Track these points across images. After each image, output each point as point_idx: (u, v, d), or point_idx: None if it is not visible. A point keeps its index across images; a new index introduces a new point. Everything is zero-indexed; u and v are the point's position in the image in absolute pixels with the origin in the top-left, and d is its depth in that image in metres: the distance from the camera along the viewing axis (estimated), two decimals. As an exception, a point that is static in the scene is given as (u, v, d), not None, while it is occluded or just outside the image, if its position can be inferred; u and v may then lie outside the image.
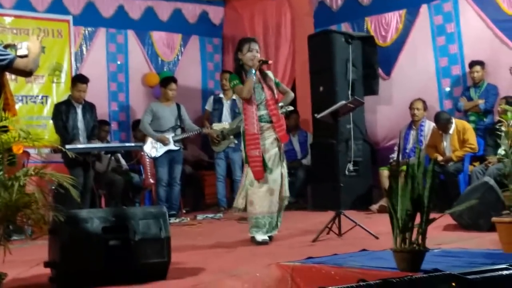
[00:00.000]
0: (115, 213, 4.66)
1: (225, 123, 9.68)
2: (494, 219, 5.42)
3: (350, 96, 9.07)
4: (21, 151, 4.21)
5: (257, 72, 6.38)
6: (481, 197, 6.35)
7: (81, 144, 8.54)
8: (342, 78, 9.47)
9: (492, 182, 6.65)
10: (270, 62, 6.77)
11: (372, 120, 10.12)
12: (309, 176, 9.93)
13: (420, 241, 4.04)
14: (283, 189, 6.45)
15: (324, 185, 8.95)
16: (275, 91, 6.49)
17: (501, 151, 7.63)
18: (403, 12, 9.88)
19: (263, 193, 6.29)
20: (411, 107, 9.26)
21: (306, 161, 10.19)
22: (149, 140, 9.37)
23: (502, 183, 6.14)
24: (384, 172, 9.07)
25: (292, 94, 6.82)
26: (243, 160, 6.53)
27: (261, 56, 6.60)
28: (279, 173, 6.37)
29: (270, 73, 6.66)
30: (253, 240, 6.36)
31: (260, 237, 6.30)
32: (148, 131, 9.38)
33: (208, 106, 10.09)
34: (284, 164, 6.51)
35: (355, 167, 9.44)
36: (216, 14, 11.92)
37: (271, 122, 6.37)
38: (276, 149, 6.38)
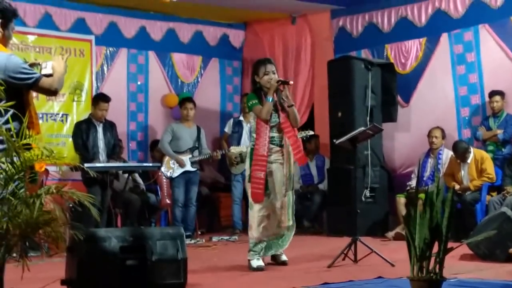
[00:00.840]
0: (133, 232, 4.69)
1: (244, 146, 9.72)
2: (511, 250, 5.40)
3: (368, 123, 9.08)
4: (43, 169, 4.25)
5: (274, 94, 6.35)
6: (498, 227, 6.32)
7: (100, 163, 8.59)
8: (360, 104, 9.48)
9: (509, 212, 6.62)
10: (291, 82, 6.75)
11: (389, 147, 10.11)
12: (325, 201, 9.93)
13: (437, 270, 4.03)
14: (285, 218, 6.44)
15: (340, 210, 8.95)
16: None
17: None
18: (423, 40, 9.90)
19: (260, 218, 6.32)
20: (429, 135, 9.26)
21: (323, 185, 10.19)
22: (167, 160, 9.45)
23: (520, 214, 6.13)
24: (401, 200, 9.05)
25: (295, 114, 6.46)
26: (246, 178, 6.52)
27: (279, 77, 6.57)
28: (280, 200, 6.37)
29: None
30: (248, 265, 6.34)
31: (255, 263, 6.28)
32: (167, 150, 9.45)
33: (228, 129, 10.13)
34: (291, 193, 6.49)
35: (372, 194, 9.43)
36: (236, 37, 11.98)
37: (281, 146, 6.40)
38: (281, 175, 6.37)
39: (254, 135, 6.39)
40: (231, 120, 10.24)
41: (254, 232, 6.32)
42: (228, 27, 11.87)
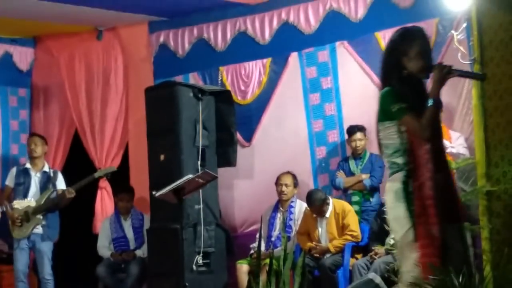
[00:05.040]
0: None
1: (31, 200, 9.47)
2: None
3: (199, 168, 9.11)
4: None
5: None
6: (364, 299, 6.49)
7: None
8: (189, 144, 9.47)
9: (378, 279, 6.82)
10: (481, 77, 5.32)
11: (228, 199, 10.20)
12: (144, 272, 9.82)
13: None
14: None
15: (165, 283, 8.90)
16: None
17: (389, 240, 7.88)
18: (267, 61, 10.15)
19: None
20: (277, 183, 9.44)
21: (142, 252, 10.09)
22: None
23: (390, 280, 6.33)
24: (243, 267, 9.15)
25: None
26: (408, 237, 4.87)
27: None
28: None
29: None
30: None
31: None
32: None
33: (9, 181, 9.87)
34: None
35: (206, 260, 9.39)
36: (23, 56, 11.73)
37: None
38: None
39: (398, 160, 4.93)
40: (14, 169, 9.99)
41: None
42: (11, 43, 11.63)
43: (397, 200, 4.83)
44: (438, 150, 4.86)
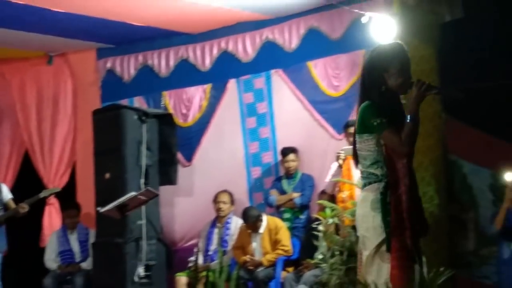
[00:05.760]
0: None
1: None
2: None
3: (143, 186, 9.28)
4: None
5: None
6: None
7: None
8: (133, 163, 9.54)
9: (307, 291, 7.02)
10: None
11: (169, 216, 10.34)
12: (89, 284, 9.85)
13: None
14: None
15: (109, 295, 8.99)
16: None
17: (318, 255, 8.13)
18: (208, 87, 10.39)
19: None
20: (215, 200, 9.70)
21: (87, 264, 10.07)
22: None
23: (318, 291, 6.55)
24: (182, 279, 9.21)
25: None
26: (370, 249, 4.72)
27: None
28: None
29: None
30: None
31: None
32: None
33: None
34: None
35: (147, 273, 9.47)
36: (-26, 80, 11.69)
37: None
38: None
39: (377, 171, 4.73)
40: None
41: None
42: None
43: (373, 210, 4.66)
44: (411, 166, 4.68)
